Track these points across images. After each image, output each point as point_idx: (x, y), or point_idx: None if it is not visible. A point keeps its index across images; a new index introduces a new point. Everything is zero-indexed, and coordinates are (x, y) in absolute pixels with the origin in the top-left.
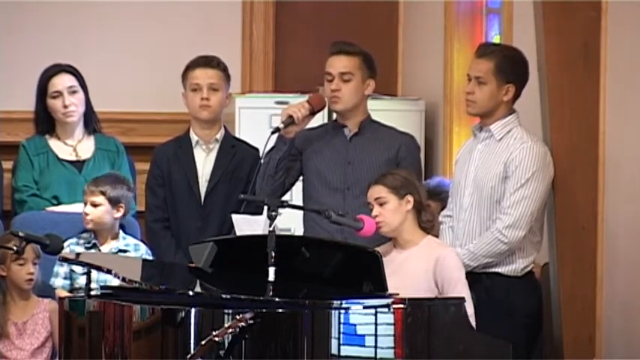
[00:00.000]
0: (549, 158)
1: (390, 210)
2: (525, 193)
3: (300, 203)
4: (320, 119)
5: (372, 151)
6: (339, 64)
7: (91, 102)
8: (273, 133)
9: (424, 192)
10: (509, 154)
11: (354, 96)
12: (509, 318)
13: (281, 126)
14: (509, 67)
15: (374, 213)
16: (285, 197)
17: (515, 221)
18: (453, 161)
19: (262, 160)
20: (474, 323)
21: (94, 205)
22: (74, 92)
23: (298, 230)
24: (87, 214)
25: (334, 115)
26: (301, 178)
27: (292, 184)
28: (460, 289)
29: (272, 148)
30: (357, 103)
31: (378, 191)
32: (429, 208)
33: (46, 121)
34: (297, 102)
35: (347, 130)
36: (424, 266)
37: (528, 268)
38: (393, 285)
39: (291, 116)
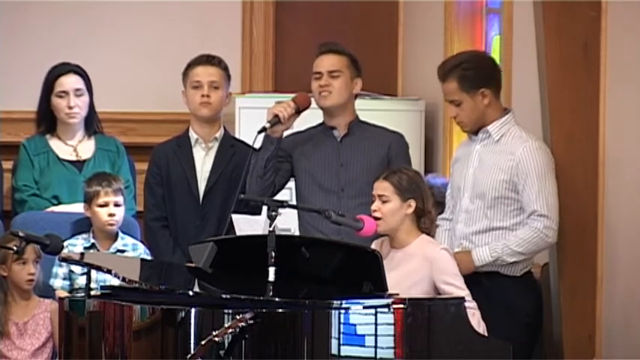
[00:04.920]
0: (549, 152)
1: (390, 209)
2: (547, 190)
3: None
4: (320, 118)
5: (364, 151)
6: (327, 62)
7: (94, 104)
8: (259, 132)
9: (429, 198)
10: (512, 155)
11: (344, 91)
12: (509, 318)
13: (267, 125)
14: (473, 74)
15: (373, 207)
16: (286, 197)
17: (550, 216)
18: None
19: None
20: (481, 329)
21: (117, 205)
22: (80, 95)
23: (298, 230)
24: (113, 215)
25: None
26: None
27: (283, 185)
28: (457, 289)
29: (259, 149)
30: (346, 101)
31: (383, 188)
32: (430, 215)
33: (48, 120)
34: (282, 101)
35: (336, 131)
36: (417, 266)
37: (527, 269)
38: (390, 284)
39: (276, 115)
